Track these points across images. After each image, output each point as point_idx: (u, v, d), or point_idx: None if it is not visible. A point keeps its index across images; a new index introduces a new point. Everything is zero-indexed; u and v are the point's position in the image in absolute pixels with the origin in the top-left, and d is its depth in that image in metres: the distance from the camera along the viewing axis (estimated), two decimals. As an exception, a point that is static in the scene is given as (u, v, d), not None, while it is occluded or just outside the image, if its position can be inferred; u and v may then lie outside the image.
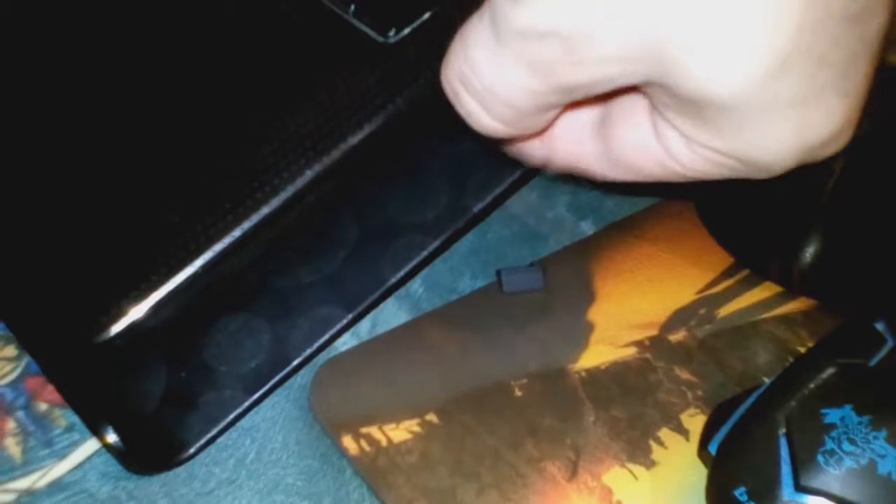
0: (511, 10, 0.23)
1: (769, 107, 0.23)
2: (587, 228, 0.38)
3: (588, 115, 0.28)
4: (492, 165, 0.36)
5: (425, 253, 0.35)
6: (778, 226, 0.36)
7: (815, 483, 0.27)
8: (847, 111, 0.24)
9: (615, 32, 0.22)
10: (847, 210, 0.34)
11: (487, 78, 0.25)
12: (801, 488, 0.27)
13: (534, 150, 0.31)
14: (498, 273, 0.36)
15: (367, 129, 0.32)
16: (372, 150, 0.32)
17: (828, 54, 0.22)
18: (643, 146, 0.27)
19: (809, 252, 0.35)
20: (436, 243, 0.35)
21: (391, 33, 0.33)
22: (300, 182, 0.31)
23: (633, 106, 0.27)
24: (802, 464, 0.27)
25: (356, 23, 0.33)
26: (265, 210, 0.31)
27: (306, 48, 0.34)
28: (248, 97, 0.33)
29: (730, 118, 0.23)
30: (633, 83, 0.24)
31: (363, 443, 0.32)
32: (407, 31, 0.33)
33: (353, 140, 0.32)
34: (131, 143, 0.33)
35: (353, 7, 0.34)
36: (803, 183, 0.34)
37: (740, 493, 0.28)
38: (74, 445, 0.32)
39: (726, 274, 0.36)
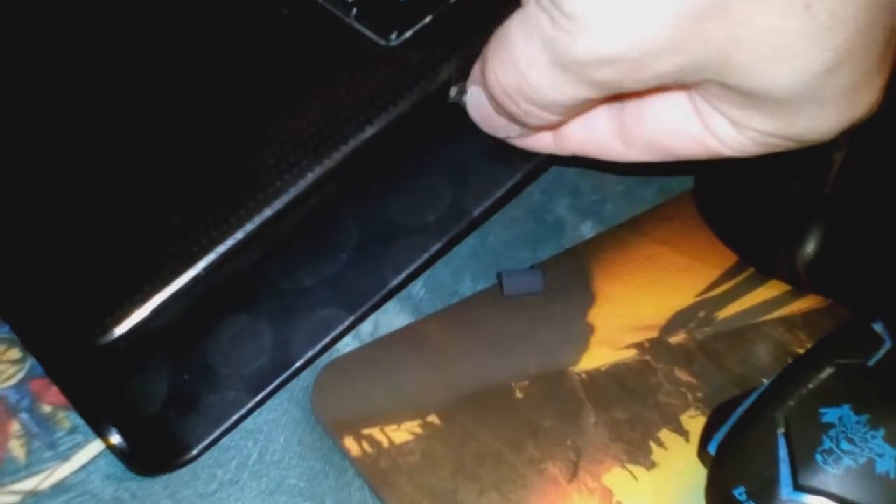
0: (570, 42, 0.23)
1: (825, 96, 0.24)
2: (587, 231, 0.38)
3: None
4: (493, 168, 0.36)
5: (427, 255, 0.35)
6: (781, 221, 0.36)
7: (814, 482, 0.27)
8: (883, 82, 0.25)
9: (677, 53, 0.23)
10: (850, 202, 0.34)
11: (549, 96, 0.25)
12: (799, 487, 0.27)
13: (544, 143, 0.31)
14: (498, 276, 0.36)
15: (368, 132, 0.32)
16: (374, 153, 0.32)
17: (876, 42, 0.23)
18: (679, 127, 0.27)
19: (814, 246, 0.35)
20: (437, 245, 0.35)
21: (393, 36, 0.33)
22: (302, 184, 0.31)
23: (666, 89, 0.27)
24: (801, 463, 0.27)
25: (358, 26, 0.34)
26: (267, 212, 0.31)
27: (308, 51, 0.34)
28: (250, 100, 0.33)
29: (786, 107, 0.24)
30: (687, 83, 0.25)
31: (365, 444, 0.32)
32: (409, 34, 0.33)
33: (355, 142, 0.32)
34: (133, 145, 0.33)
35: (354, 10, 0.34)
36: (805, 176, 0.34)
37: (739, 492, 0.28)
38: (78, 447, 0.32)
39: (728, 274, 0.36)
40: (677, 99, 0.27)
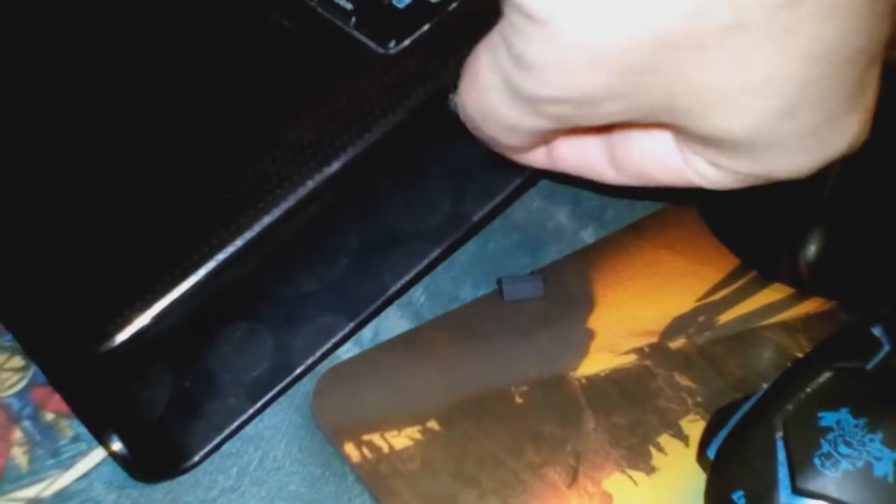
0: (520, 78, 0.24)
1: (784, 141, 0.24)
2: (588, 237, 0.39)
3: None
4: (492, 174, 0.36)
5: (426, 261, 0.35)
6: (783, 223, 0.36)
7: (812, 486, 0.27)
8: (861, 120, 0.25)
9: (620, 99, 0.23)
10: (851, 203, 0.34)
11: (505, 119, 0.26)
12: (797, 491, 0.27)
13: (537, 160, 0.32)
14: (499, 281, 0.36)
15: (368, 139, 0.32)
16: (373, 160, 0.32)
17: (837, 89, 0.23)
18: (662, 160, 0.27)
19: (816, 249, 0.35)
20: (437, 251, 0.35)
21: (391, 44, 0.33)
22: (302, 192, 0.32)
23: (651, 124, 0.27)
24: (799, 467, 0.27)
25: (357, 34, 0.34)
26: (267, 220, 0.31)
27: (308, 59, 0.34)
28: (249, 108, 0.33)
29: (748, 151, 0.24)
30: (645, 123, 0.25)
31: (365, 450, 0.32)
32: (407, 42, 0.33)
33: (355, 150, 0.32)
34: (134, 153, 0.33)
35: (353, 19, 0.34)
36: (805, 178, 0.34)
37: (738, 496, 0.28)
38: (81, 455, 0.32)
39: (729, 279, 0.36)
40: (660, 133, 0.27)
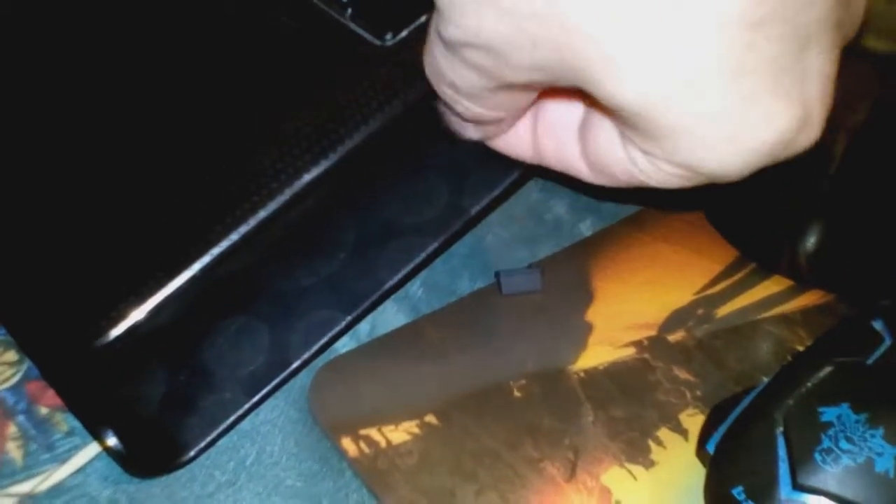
0: (442, 26, 0.25)
1: (694, 119, 0.23)
2: (586, 230, 0.38)
3: (569, 117, 0.29)
4: (489, 167, 0.36)
5: (423, 254, 0.35)
6: (783, 215, 0.36)
7: (813, 481, 0.27)
8: (794, 110, 0.23)
9: (524, 49, 0.24)
10: (850, 197, 0.34)
11: (448, 76, 0.27)
12: (798, 487, 0.27)
13: (523, 153, 0.32)
14: (497, 275, 0.36)
15: (364, 132, 0.32)
16: (369, 153, 0.32)
17: (744, 63, 0.22)
18: (614, 154, 0.27)
19: (816, 241, 0.35)
20: (434, 245, 0.35)
21: (388, 36, 0.33)
22: (298, 185, 0.31)
23: (604, 114, 0.27)
24: (800, 462, 0.27)
25: (353, 26, 0.34)
26: (262, 213, 0.31)
27: (304, 52, 0.34)
28: (245, 100, 0.33)
29: (660, 130, 0.23)
30: (567, 87, 0.25)
31: (362, 444, 0.32)
32: (403, 33, 0.33)
33: (351, 142, 0.32)
34: (129, 147, 0.33)
35: (349, 11, 0.34)
36: (805, 170, 0.34)
37: (738, 492, 0.28)
38: (76, 449, 0.32)
39: (728, 271, 0.36)
40: (605, 121, 0.27)
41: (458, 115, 0.29)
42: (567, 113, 0.29)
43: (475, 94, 0.27)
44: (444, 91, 0.28)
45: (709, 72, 0.22)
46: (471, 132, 0.31)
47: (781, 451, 0.28)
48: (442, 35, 0.25)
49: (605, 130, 0.27)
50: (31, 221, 0.32)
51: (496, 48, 0.24)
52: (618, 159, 0.27)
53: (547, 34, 0.23)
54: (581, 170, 0.30)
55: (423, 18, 0.33)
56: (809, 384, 0.29)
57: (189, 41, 0.35)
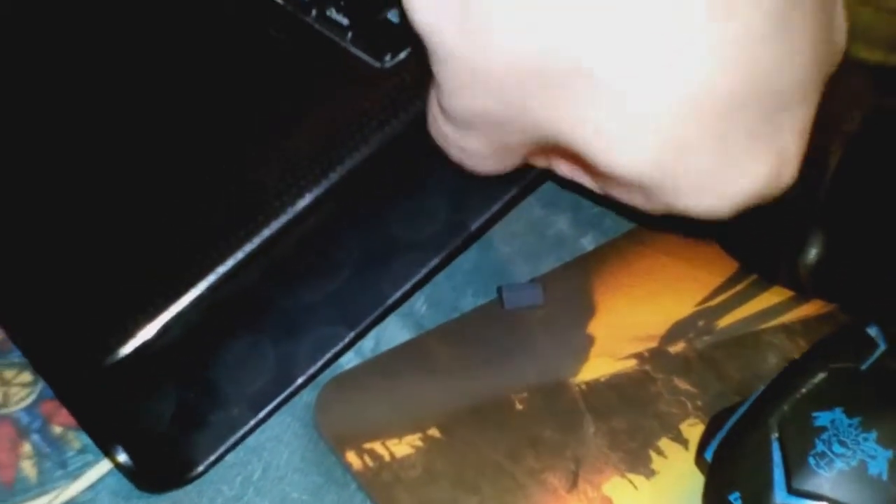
0: (443, 100, 0.26)
1: (682, 179, 0.24)
2: (588, 244, 0.39)
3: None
4: (489, 184, 0.36)
5: (425, 270, 0.36)
6: (781, 227, 0.36)
7: (807, 486, 0.27)
8: (774, 165, 0.25)
9: (516, 123, 0.25)
10: (849, 207, 0.34)
11: (455, 142, 0.28)
12: (793, 491, 0.27)
13: (538, 164, 0.32)
14: (499, 290, 0.37)
15: (364, 152, 0.33)
16: (370, 172, 0.33)
17: (728, 133, 0.23)
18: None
19: (815, 251, 0.35)
20: (435, 261, 0.36)
21: (387, 58, 0.34)
22: (300, 204, 0.32)
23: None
24: (794, 467, 0.28)
25: (353, 49, 0.34)
26: (266, 232, 0.32)
27: (305, 75, 0.35)
28: (249, 123, 0.34)
29: (647, 190, 0.25)
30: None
31: (367, 458, 0.32)
32: (402, 55, 0.34)
33: (352, 162, 0.33)
34: (136, 169, 0.34)
35: (350, 34, 0.34)
36: (802, 181, 0.34)
37: (735, 498, 0.28)
38: (88, 466, 0.33)
39: (729, 282, 0.37)
40: None
41: (470, 167, 0.30)
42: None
43: (484, 154, 0.28)
44: (453, 153, 0.29)
45: (693, 141, 0.23)
46: (480, 169, 0.32)
47: (776, 457, 0.28)
48: (443, 108, 0.27)
49: None
50: (40, 243, 0.33)
51: (492, 121, 0.26)
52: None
53: (539, 112, 0.24)
54: (590, 185, 0.30)
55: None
56: (804, 390, 0.29)
57: (193, 66, 0.36)
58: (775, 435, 0.29)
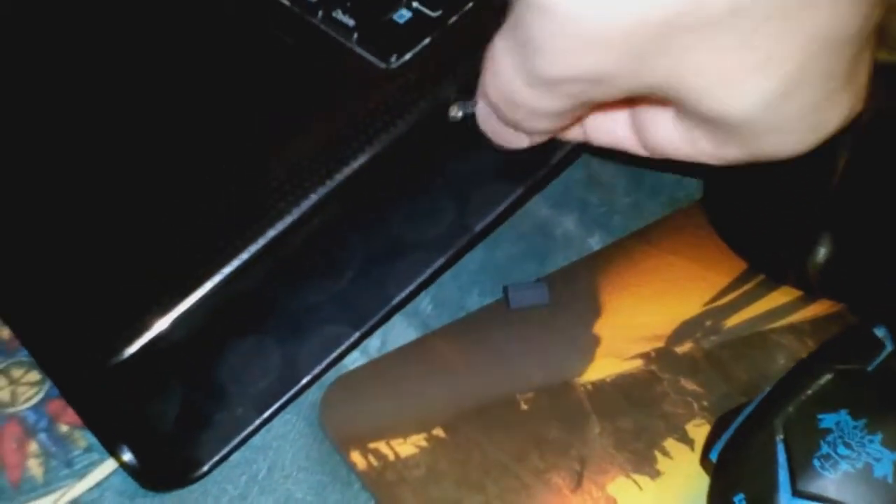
0: (533, 63, 0.25)
1: (782, 122, 0.25)
2: (595, 244, 0.39)
3: (620, 106, 0.30)
4: (494, 184, 0.37)
5: (430, 270, 0.36)
6: (789, 226, 0.36)
7: (812, 488, 0.27)
8: (855, 96, 0.26)
9: (628, 79, 0.24)
10: (856, 207, 0.34)
11: (527, 102, 0.27)
12: (798, 493, 0.27)
13: (573, 136, 0.32)
14: (505, 289, 0.37)
15: (370, 152, 0.33)
16: (376, 172, 0.33)
17: (835, 68, 0.24)
18: (673, 140, 0.28)
19: (822, 251, 0.35)
20: (440, 260, 0.36)
21: (393, 59, 0.34)
22: (306, 204, 0.32)
23: (661, 103, 0.28)
24: (799, 469, 0.27)
25: (359, 50, 0.34)
26: (272, 233, 0.32)
27: (311, 75, 0.35)
28: (254, 123, 0.34)
29: (747, 132, 0.25)
30: (659, 96, 0.26)
31: (371, 458, 0.32)
32: (408, 56, 0.34)
33: (358, 162, 0.33)
34: (141, 169, 0.34)
35: (356, 35, 0.35)
36: (810, 181, 0.34)
37: (739, 499, 0.28)
38: (93, 465, 0.33)
39: (736, 282, 0.36)
40: (669, 116, 0.28)
41: (519, 130, 0.30)
42: (618, 103, 0.30)
43: (556, 115, 0.27)
44: (517, 115, 0.28)
45: (809, 78, 0.24)
46: (516, 143, 0.31)
47: (781, 458, 0.28)
48: (536, 74, 0.25)
49: (662, 120, 0.28)
50: (46, 242, 0.33)
51: (592, 79, 0.24)
52: (675, 146, 0.28)
53: (657, 64, 0.24)
54: (633, 148, 0.31)
55: (425, 41, 0.34)
56: (809, 391, 0.29)
57: (198, 67, 0.36)
58: (780, 436, 0.28)
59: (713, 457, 0.30)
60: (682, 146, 0.28)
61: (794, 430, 0.28)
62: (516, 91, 0.26)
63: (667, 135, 0.28)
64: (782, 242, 0.37)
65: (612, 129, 0.31)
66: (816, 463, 0.27)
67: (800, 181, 0.35)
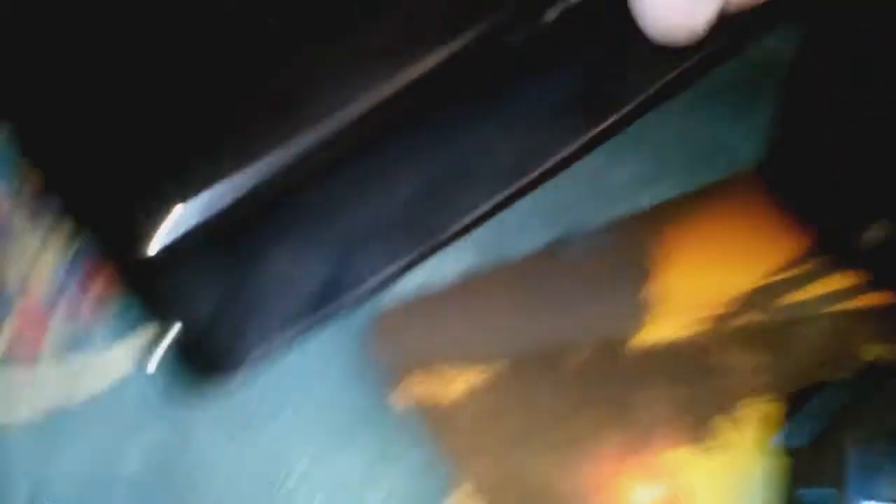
0: None
1: None
2: (649, 201, 0.37)
3: None
4: (566, 124, 0.35)
5: (490, 205, 0.34)
6: (860, 208, 0.34)
7: (884, 492, 0.26)
8: None
9: None
10: None
11: None
12: (869, 496, 0.26)
13: None
14: (559, 238, 0.35)
15: (445, 51, 0.30)
16: (449, 76, 0.30)
17: None
18: None
19: (890, 238, 0.34)
20: (501, 196, 0.34)
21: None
22: (373, 97, 0.30)
23: None
24: (871, 472, 0.27)
25: None
26: (330, 124, 0.29)
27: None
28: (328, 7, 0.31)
29: None
30: None
31: (415, 389, 0.31)
32: None
33: (431, 61, 0.30)
34: (197, 43, 0.31)
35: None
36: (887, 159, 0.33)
37: (806, 494, 0.27)
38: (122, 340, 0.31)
39: (798, 259, 0.35)
40: None
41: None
42: None
43: None
44: None
45: None
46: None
47: (853, 459, 0.27)
48: None
49: None
50: (96, 125, 0.31)
51: None
52: None
53: None
54: None
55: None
56: (886, 392, 0.28)
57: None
58: (853, 437, 0.27)
59: (778, 441, 0.29)
60: None
61: (868, 431, 0.27)
62: None
63: None
64: (851, 224, 0.35)
65: None
66: (889, 467, 0.26)
67: (879, 149, 0.33)
